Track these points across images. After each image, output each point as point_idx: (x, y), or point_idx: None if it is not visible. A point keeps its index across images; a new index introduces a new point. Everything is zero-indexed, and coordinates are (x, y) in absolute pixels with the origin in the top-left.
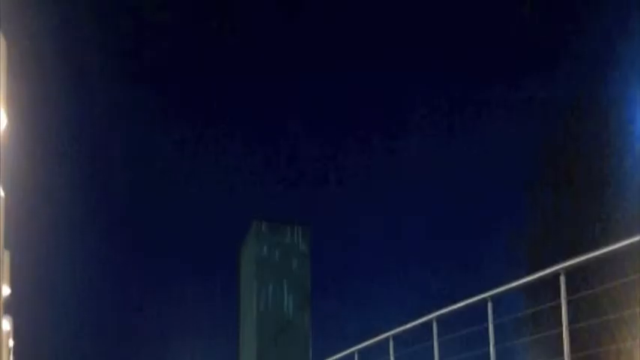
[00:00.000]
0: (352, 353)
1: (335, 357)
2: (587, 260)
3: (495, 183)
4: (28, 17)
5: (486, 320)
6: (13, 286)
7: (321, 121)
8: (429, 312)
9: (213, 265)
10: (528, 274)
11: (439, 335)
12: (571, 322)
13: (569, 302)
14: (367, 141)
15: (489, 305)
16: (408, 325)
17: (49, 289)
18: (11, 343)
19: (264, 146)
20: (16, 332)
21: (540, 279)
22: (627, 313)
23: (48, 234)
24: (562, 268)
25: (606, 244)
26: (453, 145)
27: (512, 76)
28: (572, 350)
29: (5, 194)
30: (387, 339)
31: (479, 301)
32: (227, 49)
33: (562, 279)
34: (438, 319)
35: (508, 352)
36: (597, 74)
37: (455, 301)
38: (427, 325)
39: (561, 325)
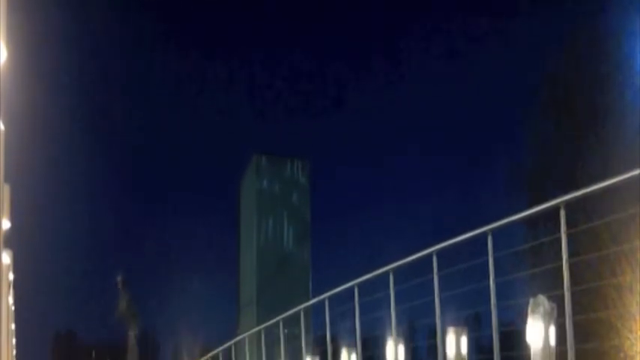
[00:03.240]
0: (352, 287)
1: (335, 290)
2: (587, 193)
3: (494, 116)
4: None
5: (486, 254)
6: (13, 220)
7: (322, 55)
8: (429, 245)
9: (213, 198)
10: (528, 207)
11: (439, 269)
12: (571, 255)
13: (569, 236)
14: (367, 74)
15: (489, 239)
16: (408, 259)
17: (49, 223)
18: (11, 276)
19: (265, 80)
20: (17, 266)
21: (540, 212)
22: (627, 246)
23: (48, 167)
24: (562, 202)
25: (606, 178)
26: (452, 78)
27: (510, 8)
28: (572, 284)
29: (5, 127)
30: (386, 273)
31: (479, 234)
32: None
33: (562, 212)
34: (438, 252)
35: (508, 285)
36: (596, 7)
37: (455, 235)
38: (427, 259)
39: (561, 259)
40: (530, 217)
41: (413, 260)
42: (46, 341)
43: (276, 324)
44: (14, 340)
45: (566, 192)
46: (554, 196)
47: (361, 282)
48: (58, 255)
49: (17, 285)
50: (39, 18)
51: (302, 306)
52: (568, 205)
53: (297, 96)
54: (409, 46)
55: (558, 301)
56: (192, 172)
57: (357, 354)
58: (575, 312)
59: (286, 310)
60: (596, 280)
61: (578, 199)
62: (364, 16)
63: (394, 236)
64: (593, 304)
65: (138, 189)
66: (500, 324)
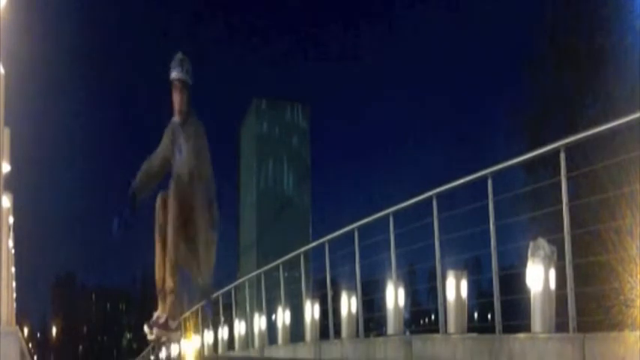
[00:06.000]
0: (352, 230)
1: (336, 234)
2: (588, 136)
3: (494, 60)
4: None
5: (486, 197)
6: (13, 163)
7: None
8: (429, 189)
9: (212, 142)
10: (528, 151)
11: (439, 212)
12: (571, 199)
13: (569, 179)
14: (368, 17)
15: (489, 182)
16: (408, 202)
17: (49, 166)
18: (11, 219)
19: (265, 23)
20: (16, 209)
21: (540, 156)
22: (627, 190)
23: (48, 111)
24: (562, 145)
25: (606, 121)
26: (453, 21)
27: None
28: (572, 227)
29: (5, 71)
30: (387, 216)
31: (479, 177)
32: None
33: (562, 155)
34: (438, 195)
35: (508, 228)
36: None
37: (455, 178)
38: (427, 202)
39: (561, 202)
40: (530, 160)
41: (413, 203)
42: (47, 284)
43: (276, 267)
44: (14, 284)
45: (566, 136)
46: (554, 140)
47: (361, 225)
48: (58, 198)
49: (17, 228)
50: None
51: (302, 249)
52: (568, 149)
53: (297, 40)
54: None
55: (558, 245)
56: None
57: (357, 297)
58: (574, 255)
59: (286, 254)
60: (596, 224)
61: (578, 143)
62: None
63: (394, 180)
64: (593, 247)
65: (137, 133)
66: (501, 267)
